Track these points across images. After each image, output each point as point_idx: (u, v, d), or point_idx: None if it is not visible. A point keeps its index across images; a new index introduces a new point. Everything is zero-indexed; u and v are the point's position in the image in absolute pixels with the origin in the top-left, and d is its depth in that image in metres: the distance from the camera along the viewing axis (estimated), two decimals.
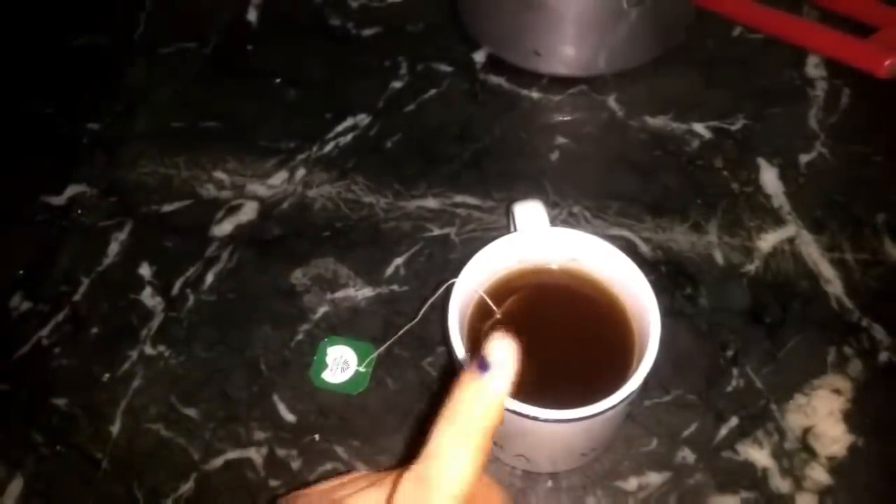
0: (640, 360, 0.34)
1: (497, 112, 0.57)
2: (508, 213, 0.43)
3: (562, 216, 0.52)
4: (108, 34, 0.65)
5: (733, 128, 0.55)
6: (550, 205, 0.52)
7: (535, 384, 0.36)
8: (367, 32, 0.63)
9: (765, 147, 0.54)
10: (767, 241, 0.50)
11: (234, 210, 0.54)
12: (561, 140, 0.56)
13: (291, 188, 0.54)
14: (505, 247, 0.38)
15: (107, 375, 0.47)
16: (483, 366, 0.24)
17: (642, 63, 0.57)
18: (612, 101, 0.57)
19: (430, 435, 0.25)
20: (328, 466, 0.43)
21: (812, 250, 0.49)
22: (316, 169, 0.55)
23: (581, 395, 0.33)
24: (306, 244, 0.51)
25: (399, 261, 0.50)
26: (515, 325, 0.38)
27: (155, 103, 0.60)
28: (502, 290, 0.39)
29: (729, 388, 0.45)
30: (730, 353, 0.46)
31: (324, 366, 0.46)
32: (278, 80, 0.60)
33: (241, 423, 0.45)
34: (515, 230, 0.40)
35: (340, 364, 0.46)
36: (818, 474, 0.42)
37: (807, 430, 0.43)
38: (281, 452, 0.44)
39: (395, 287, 0.49)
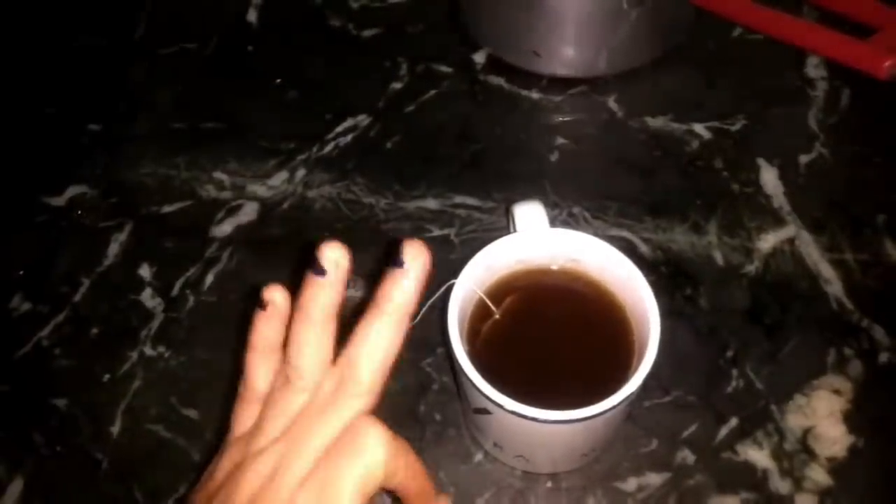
0: (639, 361, 0.34)
1: (497, 113, 0.57)
2: (508, 214, 0.43)
3: (562, 217, 0.52)
4: (108, 34, 0.65)
5: (733, 128, 0.55)
6: (550, 205, 0.52)
7: (536, 384, 0.36)
8: (368, 33, 0.63)
9: (765, 147, 0.54)
10: (767, 241, 0.50)
11: (234, 211, 0.54)
12: (561, 141, 0.56)
13: (291, 189, 0.54)
14: (505, 247, 0.38)
15: (107, 376, 0.47)
16: (398, 263, 0.28)
17: (642, 63, 0.57)
18: (611, 102, 0.57)
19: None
20: None
21: (812, 251, 0.49)
22: (316, 169, 0.55)
23: (581, 396, 0.33)
24: (306, 245, 0.51)
25: None
26: (515, 325, 0.38)
27: (155, 103, 0.60)
28: (502, 291, 0.39)
29: (729, 389, 0.45)
30: (729, 353, 0.46)
31: None
32: (278, 80, 0.60)
33: None
34: (515, 231, 0.40)
35: None
36: (818, 475, 0.42)
37: (807, 431, 0.43)
38: None
39: None
